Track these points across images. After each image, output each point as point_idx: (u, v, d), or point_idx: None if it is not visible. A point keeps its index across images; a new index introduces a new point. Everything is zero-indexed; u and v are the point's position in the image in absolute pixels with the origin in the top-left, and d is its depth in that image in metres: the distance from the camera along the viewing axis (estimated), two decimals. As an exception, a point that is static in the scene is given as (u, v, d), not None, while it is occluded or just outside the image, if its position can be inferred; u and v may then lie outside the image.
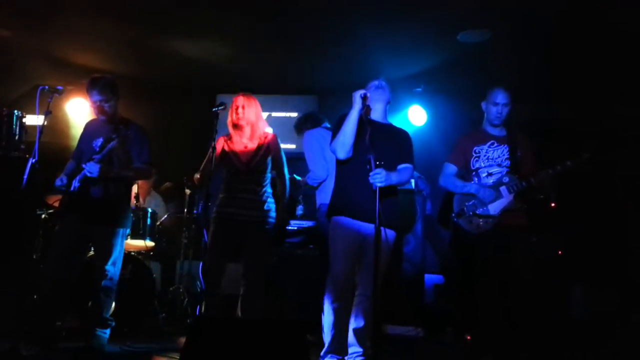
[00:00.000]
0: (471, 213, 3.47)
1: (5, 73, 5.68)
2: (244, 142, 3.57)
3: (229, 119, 3.60)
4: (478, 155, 3.56)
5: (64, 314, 3.61)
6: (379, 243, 2.89)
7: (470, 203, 3.50)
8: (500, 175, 3.48)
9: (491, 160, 3.53)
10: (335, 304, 3.11)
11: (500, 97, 3.50)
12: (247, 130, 3.57)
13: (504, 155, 3.52)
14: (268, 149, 3.59)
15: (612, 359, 3.84)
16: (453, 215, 3.56)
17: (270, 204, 3.59)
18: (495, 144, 3.55)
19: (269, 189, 3.62)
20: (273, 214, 3.57)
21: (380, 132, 3.16)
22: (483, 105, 3.61)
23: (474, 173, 3.57)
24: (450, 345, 4.28)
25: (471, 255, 3.52)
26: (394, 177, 3.07)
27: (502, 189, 3.44)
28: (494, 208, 3.43)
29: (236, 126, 3.57)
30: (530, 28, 4.41)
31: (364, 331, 3.14)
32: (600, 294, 4.71)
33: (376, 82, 3.30)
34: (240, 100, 3.57)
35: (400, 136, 3.31)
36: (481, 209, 3.45)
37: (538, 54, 4.83)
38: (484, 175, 3.53)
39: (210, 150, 3.41)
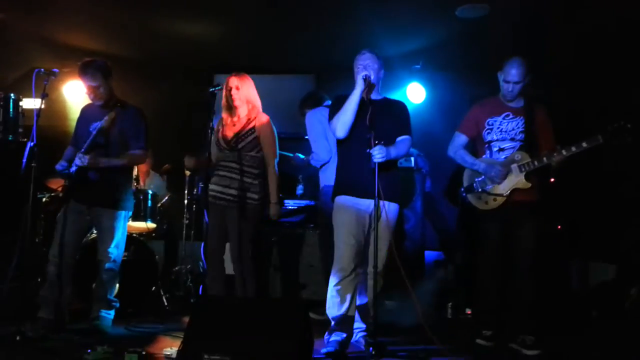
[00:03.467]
0: (480, 189, 3.41)
1: (1, 56, 5.63)
2: (234, 120, 3.56)
3: (223, 101, 3.58)
4: (491, 127, 3.43)
5: (68, 297, 3.64)
6: (379, 218, 2.92)
7: (480, 179, 3.42)
8: (512, 151, 3.37)
9: (504, 134, 3.39)
10: (340, 283, 3.15)
11: (513, 74, 3.32)
12: (242, 110, 3.55)
13: (518, 128, 3.38)
14: (253, 129, 3.53)
15: (609, 334, 3.89)
16: (462, 189, 3.51)
17: (256, 185, 3.53)
18: (511, 116, 3.41)
19: (256, 170, 3.56)
20: (255, 195, 3.52)
21: (377, 109, 3.16)
22: (498, 75, 3.43)
23: (486, 146, 3.46)
24: (450, 320, 4.33)
25: (477, 230, 3.51)
26: (393, 152, 3.10)
27: (514, 167, 3.34)
28: (504, 186, 3.35)
29: (230, 107, 3.55)
30: (529, 1, 4.36)
31: (367, 307, 3.20)
32: (598, 269, 4.75)
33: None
34: (234, 80, 3.53)
35: (397, 109, 3.30)
36: (490, 186, 3.38)
37: (537, 29, 4.78)
38: (495, 149, 3.42)
39: (209, 131, 3.40)
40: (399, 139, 3.21)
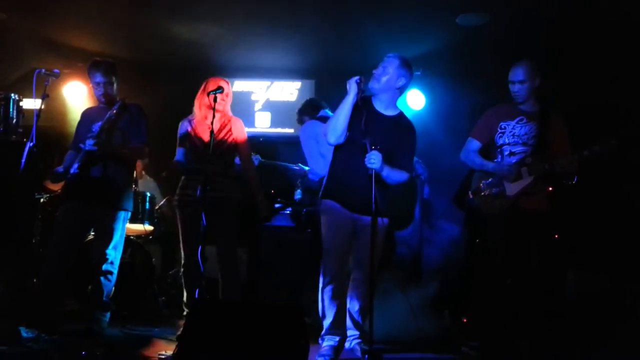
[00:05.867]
0: (487, 192, 3.36)
1: (1, 56, 5.63)
2: (207, 123, 3.51)
3: (207, 103, 3.55)
4: (504, 131, 3.39)
5: (64, 298, 3.63)
6: (375, 228, 2.91)
7: (488, 182, 3.36)
8: (523, 155, 3.32)
9: (517, 138, 3.35)
10: (329, 285, 3.15)
11: (514, 74, 3.31)
12: (218, 115, 3.56)
13: (531, 132, 3.32)
14: (229, 131, 3.60)
15: (605, 344, 3.87)
16: (470, 192, 3.46)
17: (237, 185, 3.60)
18: (525, 120, 3.35)
19: (235, 171, 3.64)
20: (239, 195, 3.59)
21: (390, 124, 3.15)
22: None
23: (498, 150, 3.41)
24: (447, 327, 4.31)
25: (480, 235, 3.47)
26: (387, 169, 3.02)
27: (523, 170, 3.27)
28: (511, 189, 3.28)
29: (214, 109, 3.51)
30: (530, 8, 4.37)
31: (361, 314, 3.20)
32: (593, 279, 4.73)
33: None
34: (227, 87, 3.61)
35: (406, 135, 3.20)
36: (497, 189, 3.32)
37: (538, 36, 4.79)
38: (506, 153, 3.38)
39: (211, 134, 3.40)
40: (399, 170, 3.12)
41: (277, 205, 4.75)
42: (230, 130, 3.62)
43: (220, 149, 3.55)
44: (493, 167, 3.37)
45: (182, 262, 3.58)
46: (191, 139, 3.59)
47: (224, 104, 3.59)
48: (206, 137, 3.50)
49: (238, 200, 3.59)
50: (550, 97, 3.49)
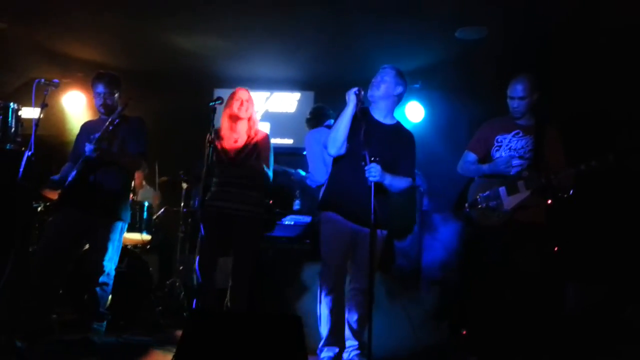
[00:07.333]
0: (484, 205, 3.35)
1: (1, 65, 5.65)
2: (234, 136, 3.57)
3: (229, 111, 3.60)
4: (500, 144, 3.39)
5: (59, 307, 3.60)
6: (374, 239, 2.90)
7: (485, 194, 3.36)
8: (520, 168, 3.31)
9: (513, 151, 3.35)
10: (328, 296, 3.14)
11: (515, 90, 3.30)
12: (244, 125, 3.60)
13: (527, 146, 3.33)
14: (256, 146, 3.60)
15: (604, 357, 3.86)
16: (466, 205, 3.46)
17: (258, 198, 3.61)
18: (521, 134, 3.36)
19: (258, 184, 3.62)
20: (259, 208, 3.61)
21: (388, 134, 3.16)
22: (507, 93, 3.40)
23: None
24: (446, 340, 4.29)
25: (477, 247, 3.46)
26: (388, 177, 3.02)
27: (520, 183, 3.27)
28: (508, 203, 3.28)
29: (236, 118, 3.58)
30: (528, 23, 4.42)
31: (359, 324, 3.17)
32: (592, 291, 4.73)
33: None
34: (245, 94, 3.63)
35: (405, 142, 3.22)
36: (495, 202, 3.32)
37: (536, 50, 4.83)
38: None
39: (209, 145, 3.41)
40: (402, 177, 3.13)
41: (284, 222, 4.75)
42: (256, 142, 3.61)
43: (244, 160, 3.55)
44: (488, 167, 3.37)
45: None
46: (215, 150, 3.58)
47: (247, 111, 3.61)
48: (229, 147, 3.54)
49: (259, 213, 3.60)
50: (547, 106, 3.49)
